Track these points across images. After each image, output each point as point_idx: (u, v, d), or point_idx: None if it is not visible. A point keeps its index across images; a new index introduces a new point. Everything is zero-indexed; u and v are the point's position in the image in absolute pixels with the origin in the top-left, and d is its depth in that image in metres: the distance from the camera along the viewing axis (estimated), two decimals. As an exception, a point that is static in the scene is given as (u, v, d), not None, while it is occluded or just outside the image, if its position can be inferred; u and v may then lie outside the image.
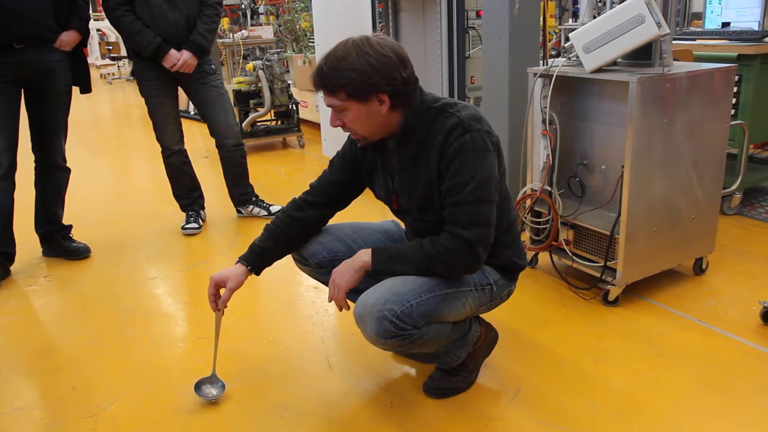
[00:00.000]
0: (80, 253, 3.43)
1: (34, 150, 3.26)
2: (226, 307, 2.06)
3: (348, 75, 1.72)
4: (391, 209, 2.05)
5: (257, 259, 2.06)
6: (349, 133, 1.93)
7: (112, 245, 3.61)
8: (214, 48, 4.02)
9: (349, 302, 1.90)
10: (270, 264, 2.09)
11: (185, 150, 3.74)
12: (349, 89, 1.74)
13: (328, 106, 1.81)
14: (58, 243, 3.44)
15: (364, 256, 1.87)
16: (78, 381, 2.29)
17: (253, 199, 3.98)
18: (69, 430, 2.03)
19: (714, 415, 1.96)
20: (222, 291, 2.03)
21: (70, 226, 3.52)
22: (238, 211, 4.00)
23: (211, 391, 2.13)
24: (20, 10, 2.91)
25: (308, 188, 2.12)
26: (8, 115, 3.02)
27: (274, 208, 3.94)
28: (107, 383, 2.27)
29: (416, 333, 1.80)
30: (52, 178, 3.32)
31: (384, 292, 1.79)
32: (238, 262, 2.05)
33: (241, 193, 3.94)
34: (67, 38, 3.11)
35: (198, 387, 2.13)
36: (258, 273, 2.08)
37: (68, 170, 3.38)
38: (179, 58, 3.39)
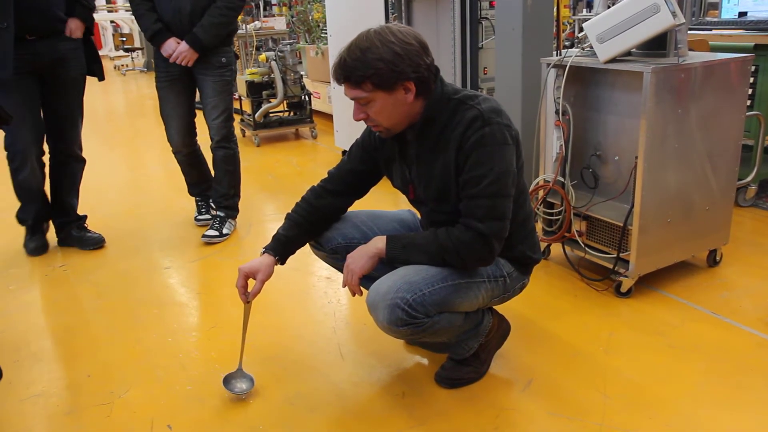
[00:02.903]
0: (93, 243, 3.44)
1: (49, 141, 3.28)
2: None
3: (374, 65, 1.71)
4: (407, 199, 2.05)
5: (283, 249, 2.05)
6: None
7: (125, 235, 3.64)
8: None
9: (363, 289, 1.91)
10: (294, 252, 2.09)
11: (195, 149, 3.58)
12: (375, 79, 1.73)
13: (352, 98, 1.80)
14: (70, 233, 3.45)
15: (379, 243, 1.88)
16: (93, 369, 2.32)
17: (218, 213, 3.57)
18: (85, 416, 2.05)
19: (726, 407, 1.95)
20: (251, 282, 2.02)
21: (85, 217, 3.54)
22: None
23: (241, 385, 2.10)
24: (32, 2, 2.93)
25: (326, 176, 2.13)
26: (29, 107, 3.05)
27: (224, 231, 3.52)
28: (122, 371, 2.29)
29: (428, 322, 1.80)
30: (68, 169, 3.35)
31: (397, 280, 1.79)
32: (264, 252, 2.04)
33: (217, 195, 3.58)
34: (74, 26, 3.12)
35: (227, 382, 2.10)
36: (283, 262, 2.08)
37: (84, 161, 3.40)
38: (175, 49, 3.22)
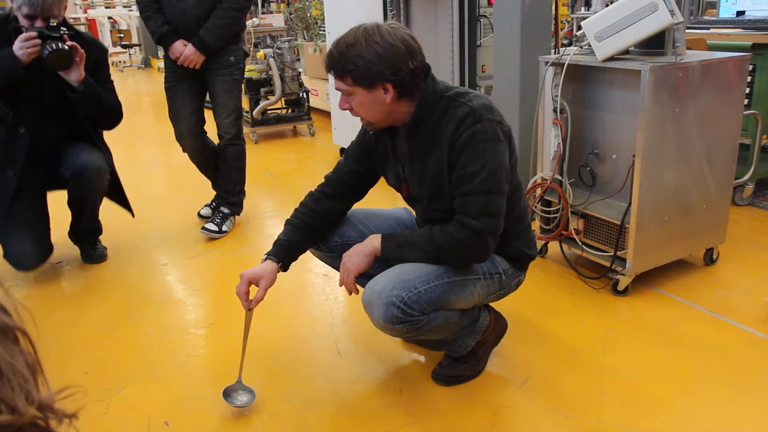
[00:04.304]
0: (96, 259, 3.21)
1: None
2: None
3: (354, 61, 1.73)
4: (402, 197, 2.05)
5: (286, 254, 2.02)
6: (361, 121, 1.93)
7: (123, 232, 3.62)
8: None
9: (359, 287, 1.91)
10: (296, 258, 2.06)
11: (204, 149, 3.51)
12: (354, 75, 1.75)
13: (337, 89, 1.83)
14: (79, 242, 3.24)
15: (374, 241, 1.88)
16: (90, 365, 2.32)
17: (222, 209, 3.56)
18: (81, 413, 2.04)
19: (722, 405, 1.95)
20: (253, 289, 1.97)
21: (96, 233, 3.27)
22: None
23: (242, 398, 2.02)
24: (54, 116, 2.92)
25: (324, 180, 2.12)
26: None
27: (224, 227, 3.52)
28: (119, 368, 2.29)
29: (424, 319, 1.81)
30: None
31: (392, 278, 1.80)
32: (266, 258, 2.00)
33: (223, 192, 3.59)
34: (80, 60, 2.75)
35: (227, 394, 2.01)
36: (286, 269, 2.04)
37: (99, 172, 2.95)
38: (182, 52, 3.21)
